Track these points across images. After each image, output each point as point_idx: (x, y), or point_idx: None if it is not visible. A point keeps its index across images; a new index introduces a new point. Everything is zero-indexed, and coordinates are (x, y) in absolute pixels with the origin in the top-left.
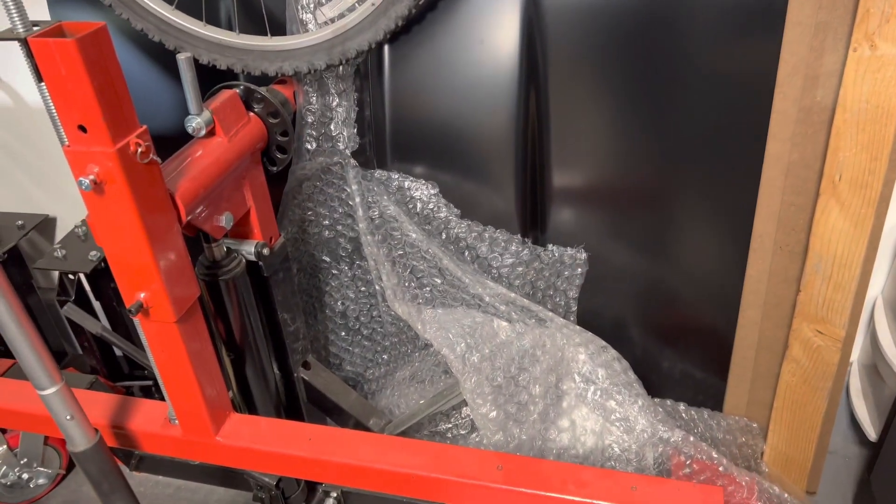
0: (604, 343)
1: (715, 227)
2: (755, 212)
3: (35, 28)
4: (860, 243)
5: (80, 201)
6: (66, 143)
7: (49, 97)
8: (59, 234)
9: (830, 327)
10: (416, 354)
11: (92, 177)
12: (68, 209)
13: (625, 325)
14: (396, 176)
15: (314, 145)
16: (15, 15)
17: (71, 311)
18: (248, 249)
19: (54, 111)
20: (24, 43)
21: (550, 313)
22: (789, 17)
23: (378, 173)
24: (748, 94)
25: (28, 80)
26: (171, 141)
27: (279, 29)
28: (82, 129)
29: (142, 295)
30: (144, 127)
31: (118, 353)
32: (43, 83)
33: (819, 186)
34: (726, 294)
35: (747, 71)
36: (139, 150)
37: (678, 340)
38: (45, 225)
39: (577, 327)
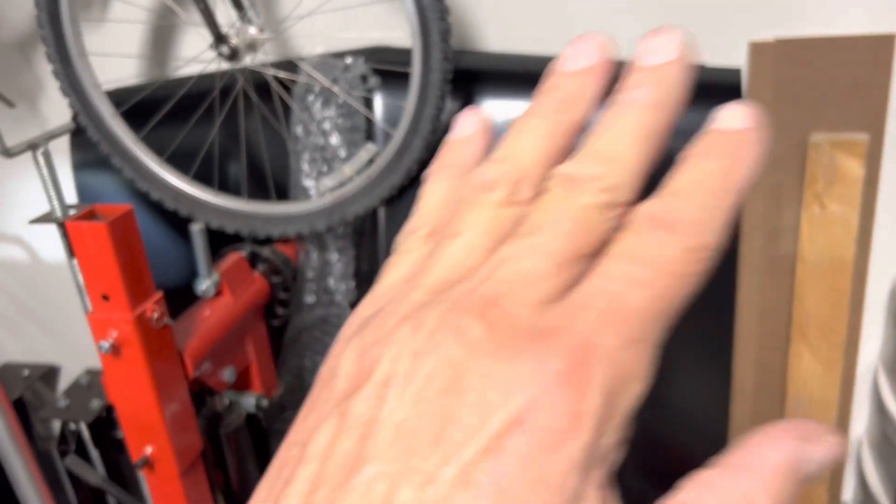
0: None
1: (700, 369)
2: (734, 354)
3: (71, 211)
4: (833, 385)
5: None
6: (91, 310)
7: (79, 271)
8: (63, 381)
9: None
10: None
11: (111, 341)
12: (73, 358)
13: (622, 470)
14: None
15: (313, 298)
16: (55, 201)
17: (73, 462)
18: (249, 402)
19: (82, 283)
20: (62, 225)
21: None
22: None
23: None
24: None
25: (44, 238)
26: (178, 293)
27: (283, 194)
28: (105, 297)
29: (149, 450)
30: (160, 294)
31: (112, 502)
32: (75, 259)
33: (790, 331)
34: (717, 435)
35: None
36: (154, 315)
37: (674, 484)
38: (49, 373)
39: None
